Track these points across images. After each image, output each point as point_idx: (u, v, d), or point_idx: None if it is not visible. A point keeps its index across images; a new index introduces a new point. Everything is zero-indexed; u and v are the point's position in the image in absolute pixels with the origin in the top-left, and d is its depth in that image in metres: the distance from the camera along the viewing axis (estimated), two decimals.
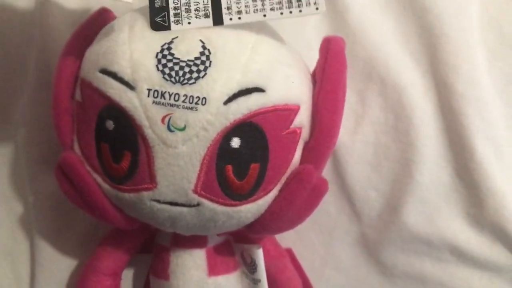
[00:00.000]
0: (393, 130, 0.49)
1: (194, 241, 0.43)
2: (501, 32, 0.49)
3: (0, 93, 0.51)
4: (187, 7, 0.35)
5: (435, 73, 0.48)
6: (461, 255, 0.49)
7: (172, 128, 0.34)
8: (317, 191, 0.39)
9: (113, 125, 0.36)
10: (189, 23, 0.35)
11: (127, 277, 0.46)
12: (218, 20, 0.35)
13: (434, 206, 0.49)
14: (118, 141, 0.35)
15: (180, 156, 0.34)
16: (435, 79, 0.48)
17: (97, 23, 0.40)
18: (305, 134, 0.39)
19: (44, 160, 0.49)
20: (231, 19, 0.35)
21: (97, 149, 0.37)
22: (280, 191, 0.38)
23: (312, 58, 0.41)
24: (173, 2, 0.35)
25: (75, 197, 0.39)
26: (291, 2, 0.35)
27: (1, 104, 0.51)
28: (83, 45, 0.39)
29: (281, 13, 0.36)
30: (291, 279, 0.47)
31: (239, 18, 0.35)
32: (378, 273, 0.52)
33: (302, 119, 0.38)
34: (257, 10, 0.36)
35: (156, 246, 0.46)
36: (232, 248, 0.46)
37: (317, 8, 0.36)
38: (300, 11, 0.36)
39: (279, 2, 0.35)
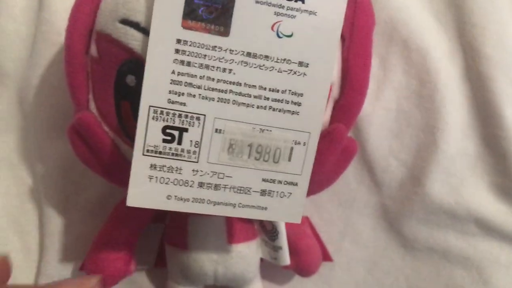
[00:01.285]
0: (416, 96, 0.47)
1: None
2: None
3: (6, 54, 0.48)
4: None
5: (461, 35, 0.46)
6: (487, 228, 0.47)
7: None
8: (348, 152, 0.37)
9: (135, 80, 0.33)
10: None
11: (140, 246, 0.44)
12: None
13: (459, 176, 0.47)
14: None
15: None
16: (461, 41, 0.46)
17: None
18: (335, 92, 0.37)
19: (52, 125, 0.47)
20: None
21: (116, 108, 0.35)
22: None
23: None
24: None
25: (90, 160, 0.37)
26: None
27: (8, 65, 0.48)
28: None
29: None
30: (311, 246, 0.45)
31: None
32: (399, 246, 0.50)
33: (332, 77, 0.36)
34: None
35: (171, 213, 0.43)
36: None
37: None
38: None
39: None
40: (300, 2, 0.31)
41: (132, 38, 0.33)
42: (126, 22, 0.33)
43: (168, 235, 0.44)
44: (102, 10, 0.35)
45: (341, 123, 0.37)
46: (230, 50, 0.31)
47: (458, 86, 0.46)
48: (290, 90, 0.33)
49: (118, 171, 0.36)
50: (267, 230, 0.42)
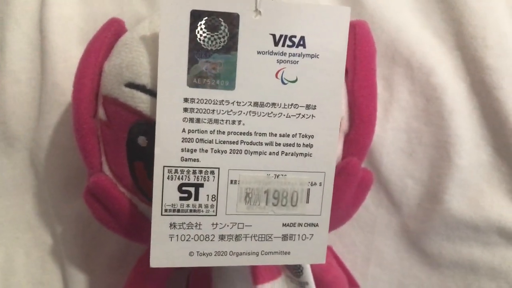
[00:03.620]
0: (425, 113, 0.47)
1: None
2: None
3: (14, 118, 0.48)
4: None
5: (462, 49, 0.46)
6: (510, 236, 0.47)
7: None
8: (364, 184, 0.37)
9: (147, 141, 0.33)
10: None
11: None
12: None
13: (476, 188, 0.47)
14: (153, 157, 0.33)
15: None
16: (463, 55, 0.46)
17: (110, 35, 0.38)
18: (344, 125, 0.37)
19: (66, 185, 0.47)
20: None
21: (130, 168, 0.35)
22: None
23: None
24: None
25: (109, 222, 0.37)
26: None
27: (17, 129, 0.48)
28: (99, 60, 0.37)
29: None
30: (337, 277, 0.45)
31: None
32: (424, 264, 0.49)
33: (341, 111, 0.36)
34: None
35: None
36: None
37: None
38: None
39: None
40: (301, 47, 0.31)
41: (140, 100, 0.33)
42: (132, 85, 0.33)
43: (193, 282, 0.44)
44: (107, 74, 0.35)
45: (353, 156, 0.37)
46: (237, 102, 0.31)
47: (465, 99, 0.46)
48: (300, 133, 0.33)
49: (138, 230, 0.37)
50: (292, 267, 0.42)
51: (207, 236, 0.33)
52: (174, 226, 0.33)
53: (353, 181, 0.36)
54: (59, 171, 0.47)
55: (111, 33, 0.38)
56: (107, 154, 0.36)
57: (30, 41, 0.48)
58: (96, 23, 0.47)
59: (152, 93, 0.32)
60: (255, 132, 0.32)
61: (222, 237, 0.33)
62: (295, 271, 0.42)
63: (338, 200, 0.35)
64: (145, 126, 0.33)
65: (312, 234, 0.34)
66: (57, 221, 0.48)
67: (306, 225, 0.34)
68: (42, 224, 0.50)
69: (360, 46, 0.37)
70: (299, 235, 0.34)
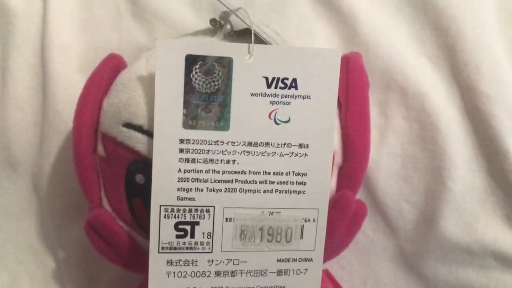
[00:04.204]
0: (419, 139, 0.47)
1: None
2: None
3: (17, 144, 0.49)
4: None
5: (456, 76, 0.47)
6: (505, 260, 0.48)
7: None
8: (358, 216, 0.38)
9: (144, 179, 0.34)
10: None
11: None
12: None
13: (471, 212, 0.47)
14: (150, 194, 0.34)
15: None
16: (457, 81, 0.47)
17: (109, 70, 0.39)
18: (338, 159, 0.38)
19: (67, 211, 0.48)
20: None
21: (129, 204, 0.36)
22: None
23: None
24: None
25: (109, 253, 0.38)
26: None
27: (20, 155, 0.49)
28: (98, 96, 0.38)
29: None
30: None
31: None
32: (421, 287, 0.50)
33: (334, 145, 0.37)
34: None
35: None
36: None
37: None
38: None
39: None
40: (293, 89, 0.32)
41: (137, 140, 0.34)
42: (129, 125, 0.34)
43: None
44: (106, 112, 0.36)
45: (347, 188, 0.37)
46: (232, 142, 0.32)
47: (460, 125, 0.47)
48: (293, 172, 0.34)
49: (137, 262, 0.37)
50: None
51: (203, 272, 0.34)
52: (171, 263, 0.33)
53: (347, 213, 0.37)
54: (60, 197, 0.48)
55: (110, 68, 0.39)
56: (107, 189, 0.37)
57: (32, 69, 0.49)
58: (96, 51, 0.48)
59: (149, 133, 0.33)
60: (249, 171, 0.33)
61: (218, 273, 0.34)
62: None
63: (332, 232, 0.36)
64: (143, 164, 0.34)
65: (307, 269, 0.35)
66: (59, 245, 0.49)
67: (300, 260, 0.35)
68: (45, 248, 0.51)
69: (353, 80, 0.38)
70: (293, 270, 0.35)
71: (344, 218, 0.37)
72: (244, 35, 0.38)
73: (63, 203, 0.48)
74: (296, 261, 0.35)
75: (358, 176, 0.38)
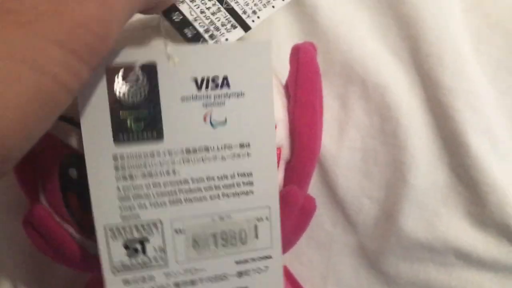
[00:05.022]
0: (380, 133, 0.46)
1: None
2: (485, 13, 0.46)
3: None
4: (214, 25, 0.33)
5: (418, 67, 0.46)
6: (467, 258, 0.46)
7: None
8: (306, 212, 0.37)
9: (76, 173, 0.33)
10: (226, 39, 0.33)
11: None
12: (245, 27, 0.34)
13: (432, 209, 0.46)
14: (85, 188, 0.33)
15: None
16: (419, 73, 0.46)
17: None
18: (285, 153, 0.36)
19: (12, 207, 0.46)
20: (253, 21, 0.34)
21: (64, 199, 0.35)
22: None
23: (285, 67, 0.38)
24: (201, 26, 0.33)
25: (49, 251, 0.37)
26: None
27: None
28: None
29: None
30: None
31: (258, 17, 0.34)
32: (382, 284, 0.49)
33: (281, 139, 0.36)
34: (265, 4, 0.34)
35: None
36: None
37: None
38: None
39: None
40: (226, 88, 0.31)
41: (68, 133, 0.33)
42: (62, 118, 0.32)
43: None
44: None
45: (294, 184, 0.36)
46: (168, 151, 0.31)
47: (422, 119, 0.46)
48: (238, 173, 0.33)
49: (79, 260, 0.36)
50: None
51: (162, 286, 0.33)
52: (128, 282, 0.32)
53: (292, 210, 0.36)
54: (6, 195, 0.46)
55: None
56: (43, 184, 0.36)
57: None
58: None
59: (79, 125, 0.32)
60: (191, 179, 0.32)
61: (177, 285, 0.33)
62: None
63: None
64: (75, 158, 0.33)
65: (267, 266, 0.34)
66: (5, 244, 0.47)
67: (259, 258, 0.34)
68: None
69: (302, 72, 0.36)
70: (253, 269, 0.34)
71: (289, 215, 0.36)
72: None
73: (7, 198, 0.46)
74: (255, 260, 0.34)
75: (307, 170, 0.37)
